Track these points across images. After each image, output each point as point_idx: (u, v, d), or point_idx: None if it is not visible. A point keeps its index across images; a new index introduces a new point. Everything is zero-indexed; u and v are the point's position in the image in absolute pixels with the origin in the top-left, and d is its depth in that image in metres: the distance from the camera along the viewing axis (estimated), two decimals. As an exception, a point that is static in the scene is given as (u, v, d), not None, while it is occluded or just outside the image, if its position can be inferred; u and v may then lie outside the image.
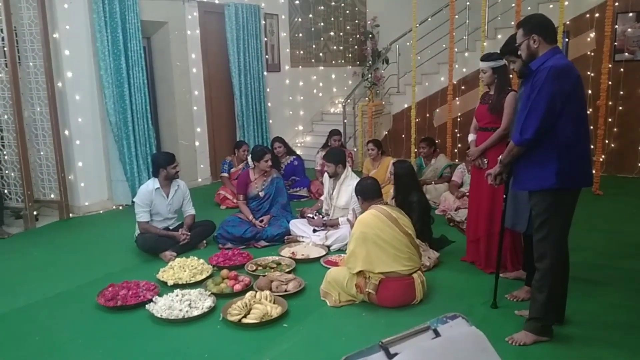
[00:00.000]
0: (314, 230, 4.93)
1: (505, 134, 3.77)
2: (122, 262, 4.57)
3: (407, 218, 3.63)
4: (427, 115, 8.73)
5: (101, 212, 6.29)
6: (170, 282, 3.95)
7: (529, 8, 7.78)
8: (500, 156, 3.07)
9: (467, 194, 5.50)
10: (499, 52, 3.71)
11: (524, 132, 2.79)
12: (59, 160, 5.89)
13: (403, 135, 8.91)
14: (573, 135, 2.78)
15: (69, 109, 5.99)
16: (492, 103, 3.93)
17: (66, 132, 6.03)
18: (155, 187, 4.71)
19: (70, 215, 6.07)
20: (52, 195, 6.04)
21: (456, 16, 7.36)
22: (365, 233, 3.43)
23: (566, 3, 6.45)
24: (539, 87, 2.72)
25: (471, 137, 4.17)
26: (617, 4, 6.85)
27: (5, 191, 5.87)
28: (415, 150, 7.22)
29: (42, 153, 5.98)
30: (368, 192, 3.77)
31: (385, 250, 3.41)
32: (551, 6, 7.44)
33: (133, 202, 4.96)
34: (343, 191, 5.02)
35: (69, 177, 6.10)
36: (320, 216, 5.12)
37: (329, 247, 4.72)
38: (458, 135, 8.26)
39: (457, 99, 8.15)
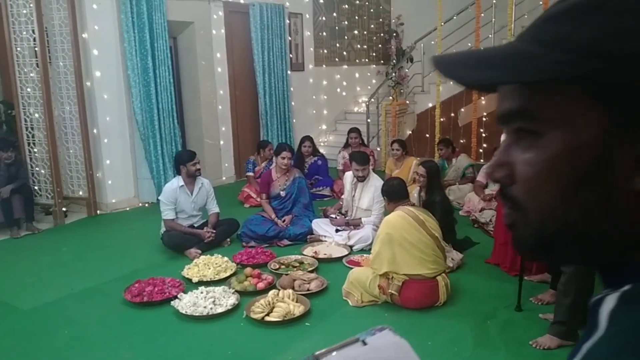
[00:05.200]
0: (337, 230, 4.94)
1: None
2: (148, 259, 4.65)
3: (434, 220, 3.59)
4: (452, 114, 8.65)
5: (127, 209, 6.41)
6: (195, 279, 4.01)
7: (557, 6, 7.64)
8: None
9: (495, 195, 5.45)
10: None
11: None
12: (88, 158, 6.01)
13: (427, 135, 8.84)
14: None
15: (97, 107, 6.11)
16: None
17: (94, 131, 6.16)
18: (180, 185, 4.78)
19: (98, 212, 6.19)
20: (81, 192, 6.17)
21: (482, 14, 7.28)
22: (391, 235, 3.42)
23: None
24: None
25: (503, 136, 4.12)
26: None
27: (36, 188, 6.01)
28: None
29: (71, 151, 6.12)
30: (395, 193, 3.75)
31: (410, 252, 3.40)
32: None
33: (158, 200, 5.05)
34: (366, 192, 5.02)
35: (97, 175, 6.23)
36: (343, 216, 5.13)
37: (351, 247, 4.72)
38: (483, 135, 8.17)
39: (482, 98, 8.05)
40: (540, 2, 6.85)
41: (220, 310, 3.45)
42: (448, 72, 0.50)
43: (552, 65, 0.45)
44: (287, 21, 8.24)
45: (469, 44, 8.12)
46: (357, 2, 9.81)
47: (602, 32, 0.44)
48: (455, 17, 8.21)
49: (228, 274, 4.09)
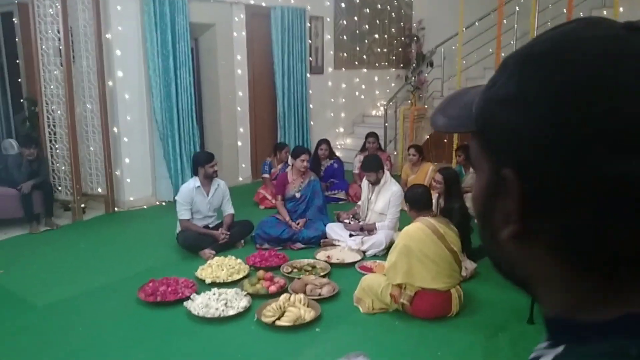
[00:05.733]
0: (350, 235, 4.95)
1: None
2: (163, 258, 4.71)
3: (455, 233, 3.54)
4: (471, 120, 8.58)
5: (145, 207, 6.48)
6: (208, 280, 4.04)
7: (581, 13, 7.55)
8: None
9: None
10: None
11: None
12: (107, 156, 6.11)
13: (445, 140, 8.79)
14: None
15: (118, 107, 6.21)
16: None
17: (115, 129, 6.25)
18: (196, 186, 4.84)
19: (116, 209, 6.28)
20: (100, 190, 6.27)
21: (504, 20, 7.21)
22: (409, 247, 3.38)
23: (621, 9, 6.22)
24: None
25: None
26: (676, 10, 6.57)
27: (56, 184, 6.12)
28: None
29: (91, 149, 6.22)
30: (418, 202, 3.69)
31: (427, 266, 3.37)
32: (605, 12, 7.20)
33: (175, 199, 5.11)
34: (381, 195, 5.02)
35: (116, 173, 6.32)
36: (357, 221, 5.14)
37: (364, 252, 4.72)
38: (502, 142, 8.08)
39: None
40: (564, 10, 6.76)
41: (231, 312, 3.48)
42: (433, 115, 0.58)
43: (466, 119, 0.52)
44: (308, 24, 8.26)
45: (490, 50, 8.04)
46: (379, 6, 9.79)
47: (493, 94, 0.49)
48: (477, 23, 8.14)
49: (241, 275, 4.12)
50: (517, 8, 7.99)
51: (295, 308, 3.40)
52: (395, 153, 8.36)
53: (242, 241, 5.01)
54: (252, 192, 6.85)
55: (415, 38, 10.00)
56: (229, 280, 4.04)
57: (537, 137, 0.45)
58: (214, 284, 3.98)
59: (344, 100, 9.38)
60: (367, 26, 9.61)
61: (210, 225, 4.95)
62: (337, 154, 8.11)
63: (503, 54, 7.63)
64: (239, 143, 7.71)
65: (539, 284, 0.50)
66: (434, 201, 4.72)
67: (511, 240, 0.48)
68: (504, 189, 0.47)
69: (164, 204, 6.62)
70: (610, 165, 0.42)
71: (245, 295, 3.70)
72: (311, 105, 8.56)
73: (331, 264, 4.39)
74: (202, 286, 3.97)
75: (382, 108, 9.02)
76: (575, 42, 0.46)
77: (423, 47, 9.95)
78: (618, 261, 0.44)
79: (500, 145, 0.48)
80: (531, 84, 0.46)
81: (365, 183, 5.24)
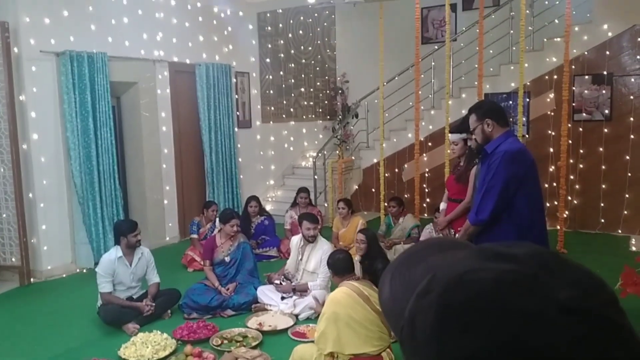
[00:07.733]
0: (282, 297, 4.87)
1: (470, 206, 3.85)
2: (83, 336, 4.41)
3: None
4: (396, 170, 8.86)
5: (64, 276, 6.10)
6: (131, 360, 3.82)
7: (491, 69, 8.09)
8: (457, 235, 3.14)
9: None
10: (460, 122, 3.82)
11: (479, 213, 2.91)
12: (22, 224, 5.74)
13: (373, 190, 8.99)
14: (530, 216, 2.89)
15: (33, 171, 5.89)
16: (459, 173, 4.05)
17: (30, 195, 5.91)
18: (118, 256, 4.62)
19: (32, 280, 5.87)
20: (13, 260, 5.85)
21: (422, 75, 7.59)
22: (337, 313, 3.37)
23: (526, 65, 6.72)
24: (494, 171, 2.84)
25: (442, 205, 4.27)
26: (573, 67, 7.17)
27: (-37, 256, 5.67)
28: (385, 204, 7.23)
29: (4, 216, 5.83)
30: (340, 267, 3.78)
31: (356, 331, 3.36)
32: (512, 67, 7.75)
33: (97, 265, 4.85)
34: (313, 255, 5.01)
35: (32, 241, 5.94)
36: (289, 281, 5.08)
37: (297, 315, 4.65)
38: (426, 190, 8.38)
39: (424, 155, 8.30)
40: (475, 66, 7.22)
41: (157, 397, 3.30)
42: (385, 273, 0.66)
43: (399, 312, 0.56)
44: (234, 80, 8.31)
45: (410, 103, 8.41)
46: (304, 60, 10.05)
47: (414, 321, 0.52)
48: (397, 78, 8.53)
49: (167, 352, 3.93)
50: (432, 64, 8.46)
51: (225, 387, 3.28)
52: (325, 205, 8.44)
53: (169, 311, 4.79)
54: (179, 253, 6.63)
55: (340, 91, 10.30)
56: (154, 359, 3.84)
57: None
58: (138, 364, 3.77)
59: (273, 152, 9.43)
60: (292, 80, 9.81)
61: (135, 296, 4.72)
62: (268, 207, 8.09)
63: (422, 107, 8.02)
64: (165, 201, 7.50)
65: None
66: (357, 259, 4.77)
67: None
68: None
69: (84, 271, 6.26)
70: None
71: (172, 376, 3.52)
72: (240, 159, 8.53)
73: (263, 332, 4.28)
74: (126, 367, 3.75)
75: (311, 159, 9.14)
76: (490, 311, 0.46)
77: (348, 99, 10.26)
78: None
79: None
80: (437, 334, 0.47)
81: (294, 243, 5.20)
